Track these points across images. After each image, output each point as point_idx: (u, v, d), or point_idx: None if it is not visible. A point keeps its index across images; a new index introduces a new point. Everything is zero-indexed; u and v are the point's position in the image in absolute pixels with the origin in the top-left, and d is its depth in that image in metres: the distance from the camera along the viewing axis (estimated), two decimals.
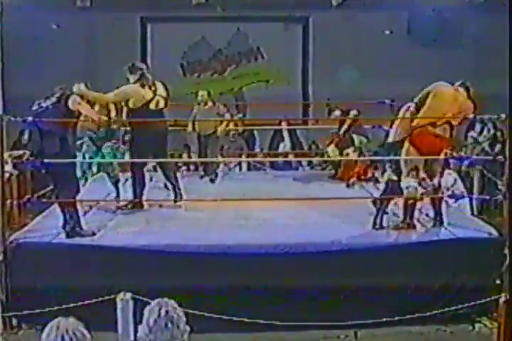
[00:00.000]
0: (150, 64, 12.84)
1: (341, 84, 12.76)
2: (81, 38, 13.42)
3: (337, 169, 10.35)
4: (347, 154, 9.84)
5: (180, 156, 11.92)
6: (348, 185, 9.50)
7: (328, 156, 10.21)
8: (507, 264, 6.26)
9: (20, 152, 9.24)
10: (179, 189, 7.98)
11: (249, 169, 12.20)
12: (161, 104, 7.76)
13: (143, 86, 7.63)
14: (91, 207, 7.64)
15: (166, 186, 8.22)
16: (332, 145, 10.08)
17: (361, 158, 9.73)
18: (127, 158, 8.14)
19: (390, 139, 7.10)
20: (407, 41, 13.88)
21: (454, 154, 7.32)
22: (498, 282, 6.27)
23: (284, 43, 14.11)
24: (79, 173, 7.62)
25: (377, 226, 6.93)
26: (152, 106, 7.68)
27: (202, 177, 10.20)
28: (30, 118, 6.56)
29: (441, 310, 6.17)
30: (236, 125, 12.13)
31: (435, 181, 6.87)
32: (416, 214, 7.08)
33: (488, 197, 8.73)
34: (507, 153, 6.48)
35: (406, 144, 6.77)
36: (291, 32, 14.22)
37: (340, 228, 6.92)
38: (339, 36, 13.40)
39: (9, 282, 6.22)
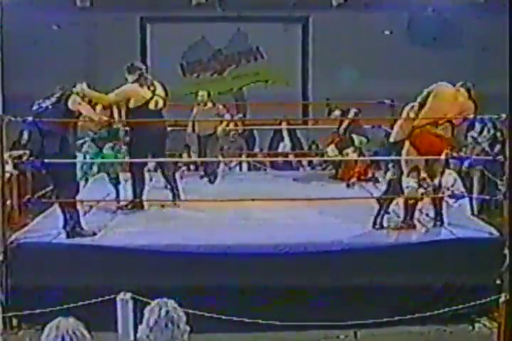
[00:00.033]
0: (150, 64, 12.86)
1: (341, 84, 12.76)
2: (81, 38, 13.41)
3: (337, 169, 10.36)
4: (347, 154, 9.84)
5: (180, 156, 11.93)
6: (348, 185, 9.50)
7: (328, 156, 10.20)
8: (507, 264, 6.26)
9: (21, 152, 9.26)
10: (177, 189, 7.99)
11: (249, 169, 12.20)
12: (160, 104, 7.77)
13: (141, 86, 7.64)
14: (91, 207, 7.64)
15: (166, 186, 8.21)
16: (332, 145, 10.08)
17: (361, 158, 9.73)
18: (127, 158, 8.14)
19: (391, 139, 7.11)
20: (407, 41, 13.88)
21: (454, 154, 7.32)
22: (498, 282, 6.27)
23: (283, 43, 14.11)
24: (80, 174, 7.61)
25: (377, 226, 6.93)
26: (151, 106, 7.69)
27: (202, 177, 10.20)
28: (30, 119, 6.56)
29: (441, 310, 6.16)
30: (236, 125, 12.14)
31: (436, 181, 6.87)
32: (416, 214, 7.08)
33: (488, 197, 8.73)
34: (507, 153, 6.48)
35: (406, 144, 6.78)
36: (291, 32, 14.22)
37: (340, 228, 6.92)
38: (339, 36, 13.40)
39: (9, 282, 6.22)
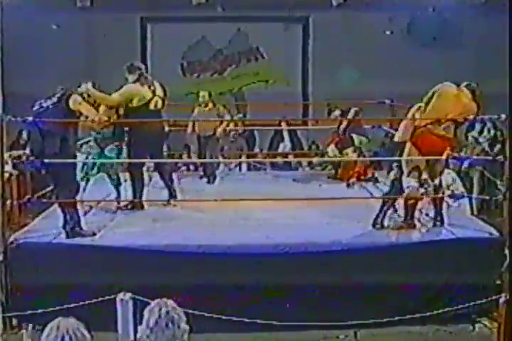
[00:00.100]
0: (150, 64, 12.88)
1: (341, 84, 12.76)
2: (81, 38, 13.41)
3: (337, 169, 10.36)
4: (346, 154, 9.84)
5: (180, 156, 11.93)
6: (348, 185, 9.50)
7: (328, 156, 10.20)
8: (507, 264, 6.26)
9: (20, 152, 9.25)
10: (174, 190, 8.01)
11: (249, 169, 12.20)
12: (159, 105, 7.78)
13: (142, 85, 7.65)
14: (91, 207, 7.65)
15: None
16: (332, 145, 10.08)
17: (361, 159, 9.74)
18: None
19: (396, 138, 7.11)
20: (407, 41, 13.88)
21: (455, 154, 7.32)
22: (498, 282, 6.27)
23: (284, 43, 14.11)
24: (81, 174, 7.62)
25: (377, 226, 6.93)
26: (151, 106, 7.70)
27: (201, 177, 10.20)
28: (30, 119, 6.56)
29: (441, 310, 6.17)
30: (236, 125, 12.14)
31: (436, 181, 6.88)
32: (416, 214, 7.08)
33: (488, 197, 8.73)
34: (507, 153, 6.49)
35: (408, 144, 6.78)
36: (291, 32, 14.21)
37: (340, 228, 6.93)
38: (339, 36, 13.40)
39: (9, 282, 6.22)
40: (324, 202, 7.70)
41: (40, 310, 5.81)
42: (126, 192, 7.99)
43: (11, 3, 10.94)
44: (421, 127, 6.73)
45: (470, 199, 9.24)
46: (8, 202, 6.70)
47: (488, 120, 10.18)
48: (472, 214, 8.97)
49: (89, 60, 13.24)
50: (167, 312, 3.52)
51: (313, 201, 7.83)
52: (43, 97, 6.73)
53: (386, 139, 11.19)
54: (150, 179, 8.62)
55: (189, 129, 10.42)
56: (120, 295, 5.49)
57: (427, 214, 7.27)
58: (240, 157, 12.27)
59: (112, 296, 5.57)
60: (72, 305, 5.64)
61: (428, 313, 6.09)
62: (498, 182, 8.91)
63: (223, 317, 5.81)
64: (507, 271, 6.24)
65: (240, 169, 12.18)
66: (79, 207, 6.92)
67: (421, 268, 6.32)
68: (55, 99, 6.61)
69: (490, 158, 8.85)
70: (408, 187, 6.72)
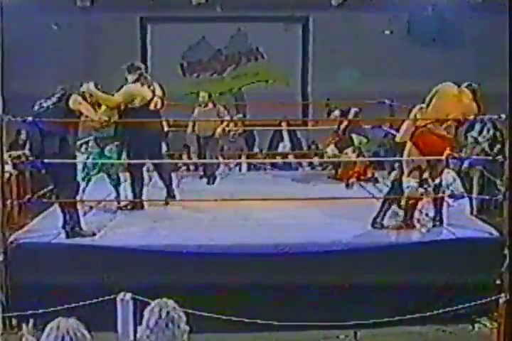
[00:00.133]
0: (150, 64, 12.88)
1: (341, 84, 12.75)
2: (81, 38, 13.41)
3: (337, 169, 10.36)
4: (346, 154, 9.84)
5: (180, 157, 11.93)
6: (347, 185, 9.50)
7: (328, 156, 10.20)
8: (507, 264, 6.26)
9: (20, 152, 9.25)
10: (173, 190, 8.02)
11: (249, 169, 12.20)
12: (159, 105, 7.80)
13: (142, 85, 7.65)
14: (91, 207, 7.64)
15: None
16: (332, 145, 10.08)
17: (361, 159, 9.73)
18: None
19: (397, 139, 7.10)
20: (407, 41, 13.87)
21: (455, 154, 7.32)
22: (498, 282, 6.27)
23: (284, 43, 14.09)
24: (83, 174, 7.62)
25: (377, 225, 6.93)
26: (151, 106, 7.70)
27: (201, 177, 10.20)
28: (30, 118, 6.56)
29: (441, 310, 6.17)
30: (236, 125, 12.14)
31: (437, 181, 6.88)
32: (416, 214, 7.08)
33: (488, 197, 8.73)
34: (507, 153, 6.48)
35: (408, 144, 6.78)
36: (291, 32, 14.20)
37: (340, 228, 6.93)
38: (339, 36, 13.39)
39: (9, 282, 6.22)
40: (324, 202, 7.70)
41: (40, 310, 5.80)
42: (126, 192, 7.99)
43: (10, 3, 10.91)
44: (421, 127, 6.73)
45: (470, 199, 9.22)
46: (8, 202, 6.70)
47: (488, 120, 10.17)
48: (472, 214, 8.96)
49: (89, 60, 13.22)
50: (167, 313, 3.52)
51: (313, 201, 7.83)
52: (42, 97, 6.74)
53: (386, 139, 11.20)
54: (150, 179, 8.63)
55: (189, 129, 10.42)
56: (120, 295, 5.49)
57: (426, 214, 7.27)
58: (240, 157, 12.27)
59: (112, 296, 5.56)
60: (72, 305, 5.64)
61: (428, 313, 6.09)
62: (498, 182, 8.90)
63: (223, 317, 5.81)
64: (507, 271, 6.23)
65: (240, 169, 12.18)
66: (79, 207, 6.92)
67: (421, 268, 6.32)
68: (55, 99, 6.61)
69: (490, 158, 8.84)
70: (408, 187, 6.72)
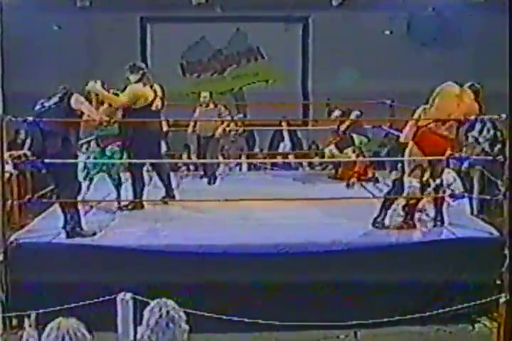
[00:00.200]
0: (150, 64, 12.88)
1: (341, 84, 12.75)
2: (81, 38, 13.41)
3: (337, 169, 10.36)
4: (346, 154, 9.84)
5: (180, 157, 11.92)
6: (347, 185, 9.50)
7: (328, 156, 10.20)
8: (507, 264, 6.26)
9: (20, 152, 9.24)
10: (172, 190, 8.03)
11: (249, 169, 12.21)
12: (159, 105, 7.80)
13: (144, 85, 7.66)
14: (91, 207, 7.65)
15: None
16: (332, 145, 10.08)
17: (361, 159, 9.73)
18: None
19: (401, 139, 7.11)
20: (407, 41, 13.88)
21: (455, 154, 7.32)
22: (498, 282, 6.27)
23: (284, 43, 14.10)
24: (83, 173, 7.62)
25: (377, 225, 6.93)
26: (153, 107, 7.71)
27: (202, 177, 10.20)
28: (30, 118, 6.56)
29: (441, 310, 6.17)
30: (236, 125, 12.14)
31: (438, 181, 6.88)
32: (417, 213, 7.08)
33: (488, 197, 8.73)
34: (507, 153, 6.48)
35: (410, 144, 6.78)
36: (291, 32, 14.21)
37: (340, 228, 6.92)
38: (339, 36, 13.40)
39: (9, 282, 6.22)
40: (324, 202, 7.70)
41: (40, 310, 5.80)
42: (127, 192, 8.00)
43: (10, 3, 10.93)
44: (423, 127, 6.73)
45: (470, 199, 9.23)
46: (8, 202, 6.70)
47: (488, 120, 10.17)
48: (472, 214, 8.97)
49: (88, 60, 13.23)
50: (167, 312, 3.53)
51: (313, 201, 7.83)
52: (42, 97, 6.72)
53: (386, 139, 11.21)
54: (150, 179, 8.63)
55: (190, 129, 10.41)
56: (120, 295, 5.49)
57: (427, 214, 7.26)
58: (240, 157, 12.27)
59: (112, 296, 5.56)
60: (72, 305, 5.64)
61: (428, 313, 6.09)
62: (498, 182, 8.90)
63: (223, 317, 5.81)
64: (507, 271, 6.24)
65: (240, 169, 12.19)
66: (80, 206, 6.92)
67: (421, 268, 6.32)
68: (56, 99, 6.60)
69: (490, 158, 8.84)
70: (409, 187, 6.72)
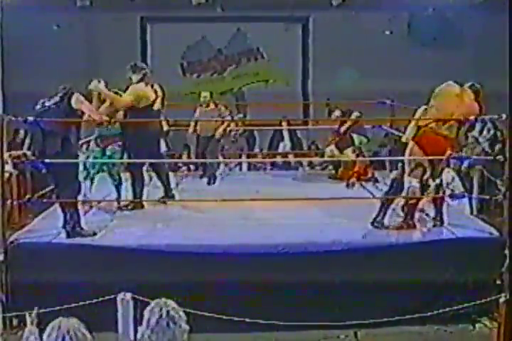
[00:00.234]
0: (150, 64, 12.87)
1: (341, 84, 12.76)
2: (81, 38, 13.42)
3: (337, 169, 10.36)
4: (346, 154, 9.84)
5: (180, 156, 11.93)
6: (347, 185, 9.50)
7: (329, 156, 10.20)
8: (507, 264, 6.26)
9: (20, 152, 9.24)
10: (171, 190, 8.03)
11: (249, 169, 12.20)
12: (160, 105, 7.80)
13: (146, 85, 7.66)
14: (91, 207, 7.65)
15: None
16: (332, 145, 10.08)
17: (361, 159, 9.74)
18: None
19: (403, 139, 7.11)
20: (407, 41, 13.89)
21: (455, 154, 7.32)
22: (498, 282, 6.27)
23: (284, 43, 14.11)
24: (84, 173, 7.62)
25: (377, 225, 6.93)
26: (155, 107, 7.72)
27: (202, 177, 10.20)
28: (30, 118, 6.55)
29: (441, 310, 6.16)
30: (236, 125, 12.14)
31: (437, 181, 6.89)
32: (416, 213, 7.08)
33: (488, 197, 8.73)
34: (507, 153, 6.48)
35: (411, 143, 6.79)
36: (291, 32, 14.22)
37: (340, 228, 6.92)
38: (339, 36, 13.40)
39: (9, 282, 6.22)
40: (324, 202, 7.70)
41: (40, 310, 5.80)
42: (127, 192, 8.00)
43: (11, 3, 10.93)
44: (424, 126, 6.73)
45: (470, 199, 9.24)
46: (8, 202, 6.70)
47: (489, 120, 10.19)
48: (472, 214, 8.97)
49: (88, 60, 13.23)
50: (167, 312, 3.53)
51: (313, 201, 7.83)
52: (42, 97, 6.72)
53: (386, 139, 11.22)
54: (150, 179, 8.63)
55: (190, 129, 10.41)
56: (120, 295, 5.49)
57: (427, 214, 7.27)
58: (240, 157, 12.27)
59: (112, 296, 5.56)
60: (72, 305, 5.64)
61: (428, 313, 6.09)
62: (498, 182, 8.91)
63: (223, 317, 5.81)
64: (507, 271, 6.23)
65: (240, 169, 12.18)
66: (80, 206, 6.92)
67: (421, 268, 6.32)
68: (57, 99, 6.60)
69: (490, 158, 8.85)
70: (409, 186, 6.72)
